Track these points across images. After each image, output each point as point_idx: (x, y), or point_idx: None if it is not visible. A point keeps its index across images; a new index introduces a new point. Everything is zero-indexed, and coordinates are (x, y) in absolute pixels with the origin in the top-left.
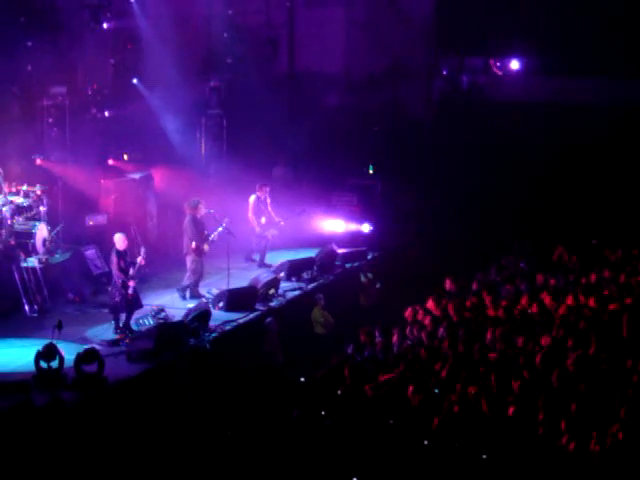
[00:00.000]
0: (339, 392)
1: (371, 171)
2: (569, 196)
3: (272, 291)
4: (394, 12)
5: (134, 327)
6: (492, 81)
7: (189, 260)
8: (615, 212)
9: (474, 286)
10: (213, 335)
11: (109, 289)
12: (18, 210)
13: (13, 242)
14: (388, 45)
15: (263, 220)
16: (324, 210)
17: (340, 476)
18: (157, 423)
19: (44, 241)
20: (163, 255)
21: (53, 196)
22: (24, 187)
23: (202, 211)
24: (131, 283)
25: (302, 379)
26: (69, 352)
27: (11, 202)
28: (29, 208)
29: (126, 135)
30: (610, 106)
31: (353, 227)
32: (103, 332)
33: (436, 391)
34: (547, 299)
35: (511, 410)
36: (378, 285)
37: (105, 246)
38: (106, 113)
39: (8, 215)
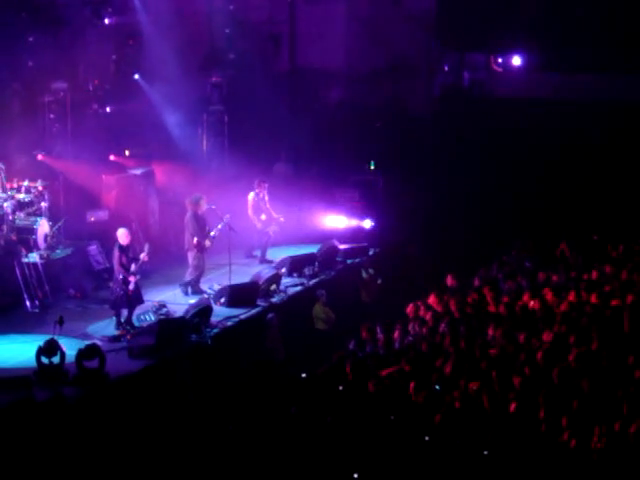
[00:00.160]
0: (340, 388)
1: (372, 167)
2: (571, 192)
3: (273, 287)
4: (395, 8)
5: (135, 323)
6: (493, 77)
7: (190, 256)
8: (617, 208)
9: (476, 282)
10: (214, 331)
11: (110, 285)
12: (19, 206)
13: (14, 238)
14: (389, 41)
15: (263, 217)
16: (326, 206)
17: (341, 472)
18: (158, 419)
19: (45, 237)
20: (164, 251)
21: (54, 192)
22: (25, 183)
23: (203, 207)
24: (132, 279)
25: (303, 375)
26: (70, 348)
27: (12, 198)
28: (30, 204)
29: (127, 131)
30: (611, 102)
31: (354, 223)
32: (104, 328)
33: (437, 387)
34: (549, 295)
35: (513, 406)
36: (379, 281)
37: (106, 242)
38: (107, 109)
39: (9, 211)
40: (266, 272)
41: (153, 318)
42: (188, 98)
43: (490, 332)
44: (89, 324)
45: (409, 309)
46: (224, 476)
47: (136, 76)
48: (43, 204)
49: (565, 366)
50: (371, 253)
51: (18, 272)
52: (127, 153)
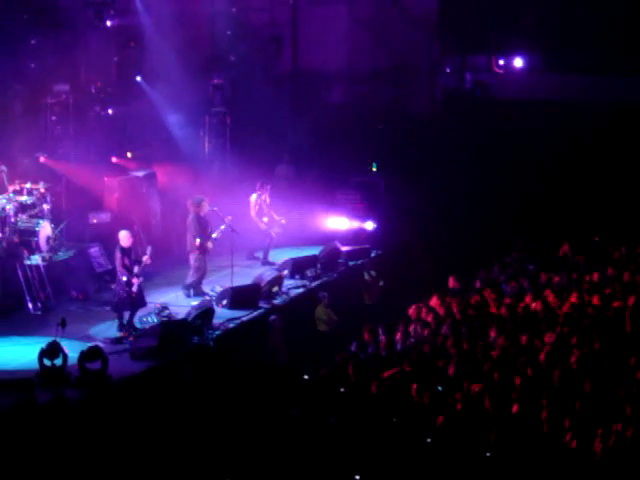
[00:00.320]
0: (342, 390)
1: (375, 169)
2: (572, 193)
3: (276, 289)
4: (397, 10)
5: (138, 325)
6: (495, 79)
7: (192, 258)
8: (619, 210)
9: (477, 284)
10: (217, 333)
11: (113, 287)
12: (22, 208)
13: (17, 240)
14: (391, 43)
15: (265, 219)
16: (327, 208)
17: (343, 474)
18: (161, 421)
19: (48, 239)
20: (167, 253)
21: (57, 194)
22: (28, 185)
23: (205, 209)
24: (135, 281)
25: (305, 377)
26: (73, 350)
27: (15, 200)
28: (33, 206)
29: (129, 133)
30: (613, 103)
31: (356, 225)
32: (107, 330)
33: (439, 389)
34: (551, 297)
35: (515, 408)
36: (381, 283)
37: (109, 244)
38: (110, 111)
39: (12, 213)
40: (268, 274)
41: (155, 320)
42: (190, 100)
43: (492, 334)
44: (91, 326)
45: (411, 311)
46: (226, 477)
47: (138, 78)
48: (45, 206)
49: (567, 367)
50: (373, 255)
51: (20, 274)
52: (129, 155)
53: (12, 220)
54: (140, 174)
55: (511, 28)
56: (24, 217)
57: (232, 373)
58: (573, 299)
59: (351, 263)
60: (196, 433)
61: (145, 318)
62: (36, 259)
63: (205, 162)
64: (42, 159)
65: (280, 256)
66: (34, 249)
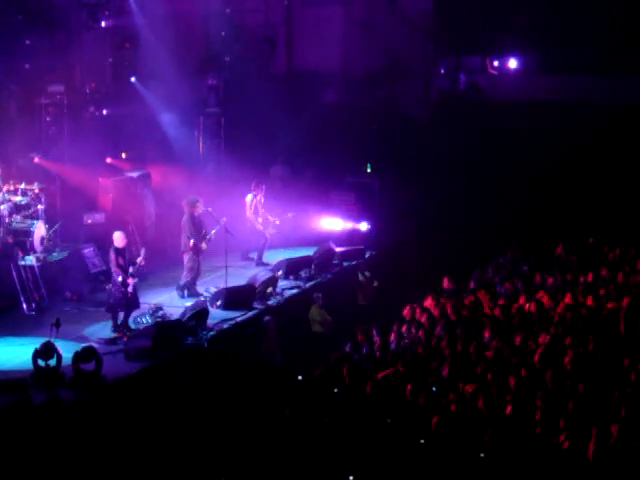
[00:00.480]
0: (336, 390)
1: (369, 169)
2: (568, 195)
3: (270, 290)
4: (392, 11)
5: (132, 325)
6: (490, 80)
7: (186, 258)
8: (614, 211)
9: (472, 285)
10: (211, 334)
11: (108, 287)
12: (16, 208)
13: (11, 240)
14: (386, 43)
15: (260, 220)
16: (322, 208)
17: (336, 475)
18: (155, 421)
19: (42, 239)
20: (161, 253)
21: (51, 194)
22: (22, 185)
23: (200, 209)
24: (131, 281)
25: (299, 377)
26: (67, 350)
27: (9, 200)
28: (27, 206)
29: (124, 133)
30: (608, 104)
31: (351, 225)
32: (101, 330)
33: (434, 390)
34: (545, 298)
35: (509, 409)
36: (376, 283)
37: (103, 244)
38: (104, 111)
39: (6, 213)
40: (262, 275)
41: (149, 320)
42: (184, 100)
43: (486, 335)
44: (86, 327)
45: (405, 312)
46: (220, 477)
47: (133, 79)
48: (40, 207)
49: (561, 368)
50: (367, 255)
51: (15, 275)
52: (124, 156)
53: (6, 220)
54: (135, 175)
55: (505, 29)
56: (18, 217)
57: (226, 374)
58: (567, 300)
59: (345, 264)
60: (191, 433)
61: (139, 319)
62: (30, 260)
63: (200, 162)
64: (36, 159)
65: (274, 257)
66: (28, 250)
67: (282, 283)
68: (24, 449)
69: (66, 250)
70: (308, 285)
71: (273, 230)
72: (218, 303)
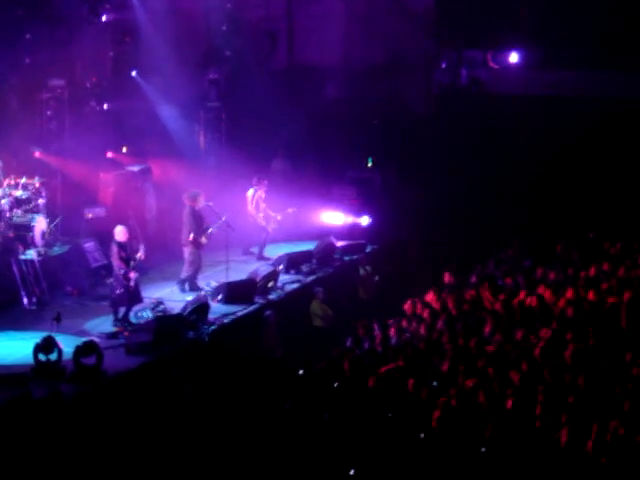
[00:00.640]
0: (336, 385)
1: (370, 164)
2: (568, 189)
3: (271, 284)
4: (393, 5)
5: (133, 320)
6: (491, 74)
7: (186, 252)
8: (615, 205)
9: (473, 279)
10: (212, 328)
11: (109, 281)
12: (17, 202)
13: (12, 235)
14: (387, 38)
15: (261, 215)
16: (323, 203)
17: (337, 468)
18: (156, 416)
19: (43, 234)
20: (162, 247)
21: (52, 189)
22: (23, 180)
23: (201, 203)
24: (132, 274)
25: (300, 372)
26: (68, 345)
27: (10, 194)
28: (28, 201)
29: (125, 128)
30: (609, 99)
31: (352, 220)
32: (102, 325)
33: (434, 384)
34: (546, 292)
35: (510, 403)
36: (377, 278)
37: (104, 239)
38: (105, 106)
39: (7, 207)
40: (263, 269)
41: (150, 315)
42: (185, 95)
43: (487, 329)
44: (86, 321)
45: (407, 306)
46: (220, 472)
47: (133, 73)
48: (40, 201)
49: (562, 363)
50: (368, 250)
51: (15, 269)
52: (124, 150)
53: (7, 215)
54: (135, 169)
55: (507, 23)
56: (19, 212)
57: (227, 368)
58: (569, 295)
59: (346, 258)
60: (190, 428)
61: (140, 313)
62: (31, 254)
63: (201, 157)
64: (37, 154)
65: (275, 251)
66: (29, 244)
67: (283, 277)
68: (25, 443)
69: (67, 244)
70: (309, 279)
71: (275, 225)
72: (219, 297)
